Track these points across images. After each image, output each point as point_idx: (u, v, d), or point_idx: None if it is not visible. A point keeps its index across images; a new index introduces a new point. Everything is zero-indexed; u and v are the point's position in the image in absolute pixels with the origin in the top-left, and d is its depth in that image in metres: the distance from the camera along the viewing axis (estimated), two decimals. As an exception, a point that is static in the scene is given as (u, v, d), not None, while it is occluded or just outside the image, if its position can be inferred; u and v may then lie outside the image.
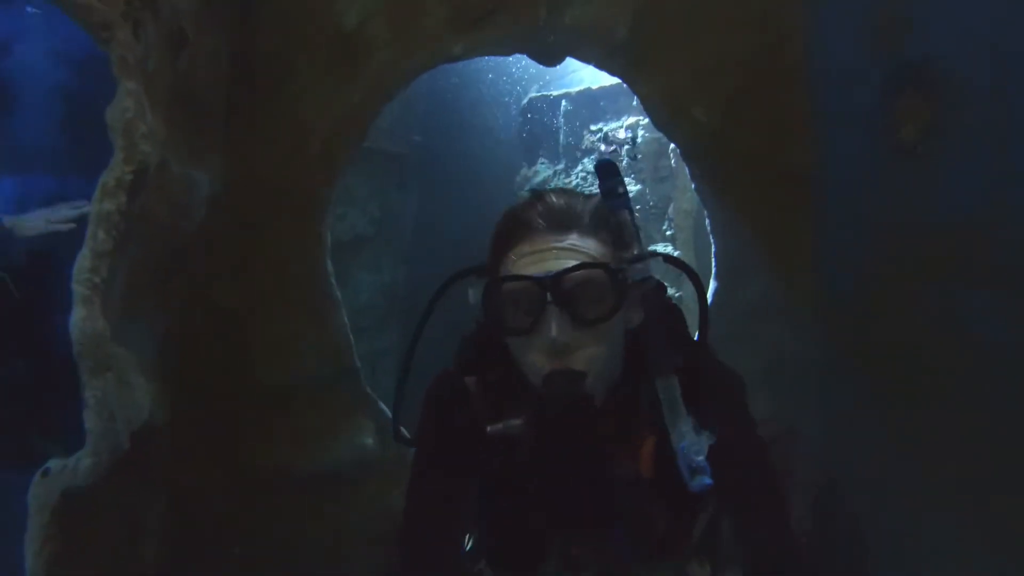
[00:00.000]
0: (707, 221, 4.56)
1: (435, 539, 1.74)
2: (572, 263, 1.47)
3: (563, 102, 9.65)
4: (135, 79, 2.41)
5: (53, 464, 2.49)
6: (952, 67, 3.01)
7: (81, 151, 5.99)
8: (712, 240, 4.47)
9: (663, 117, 4.16)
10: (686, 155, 4.40)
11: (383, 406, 4.01)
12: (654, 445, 1.63)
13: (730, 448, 1.55)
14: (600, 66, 4.28)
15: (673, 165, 8.05)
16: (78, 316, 2.35)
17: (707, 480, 1.43)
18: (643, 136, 8.45)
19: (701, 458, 1.44)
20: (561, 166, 9.58)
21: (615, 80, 4.93)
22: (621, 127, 8.80)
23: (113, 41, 2.35)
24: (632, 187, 8.23)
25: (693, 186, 4.88)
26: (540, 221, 1.55)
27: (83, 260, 2.37)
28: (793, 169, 3.93)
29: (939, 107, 3.11)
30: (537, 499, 1.63)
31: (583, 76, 9.28)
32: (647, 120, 7.42)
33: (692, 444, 1.45)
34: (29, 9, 5.98)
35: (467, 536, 1.88)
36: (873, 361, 3.49)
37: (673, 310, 1.77)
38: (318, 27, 3.49)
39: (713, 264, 4.46)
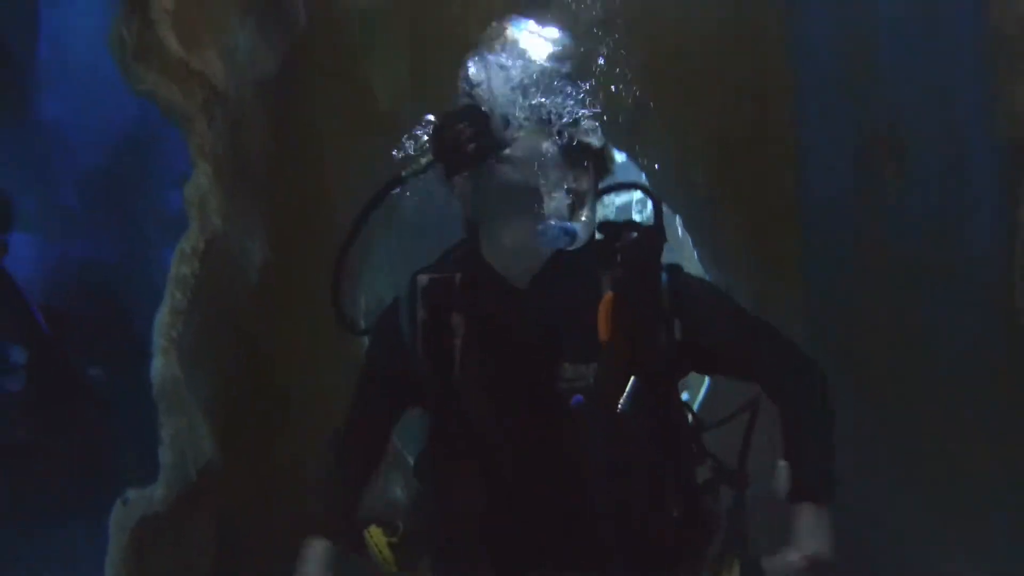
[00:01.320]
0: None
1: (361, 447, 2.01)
2: None
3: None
4: (208, 162, 2.86)
5: (132, 494, 2.86)
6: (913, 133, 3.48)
7: (110, 220, 6.47)
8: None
9: (665, 186, 4.61)
10: (688, 223, 4.84)
11: (407, 456, 4.33)
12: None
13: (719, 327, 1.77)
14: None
15: (680, 235, 8.49)
16: (157, 364, 2.76)
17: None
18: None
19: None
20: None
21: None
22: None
23: (192, 131, 2.81)
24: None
25: (696, 253, 5.29)
26: None
27: (162, 316, 2.78)
28: (783, 237, 4.36)
29: (905, 168, 3.58)
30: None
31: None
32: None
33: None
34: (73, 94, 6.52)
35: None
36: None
37: None
38: (354, 106, 3.96)
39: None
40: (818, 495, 1.64)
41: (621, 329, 1.66)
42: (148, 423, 2.90)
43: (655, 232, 1.83)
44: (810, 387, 1.78)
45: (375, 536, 1.88)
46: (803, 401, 1.76)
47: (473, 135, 1.62)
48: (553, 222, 1.62)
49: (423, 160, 1.73)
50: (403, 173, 1.79)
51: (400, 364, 1.83)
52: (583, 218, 1.71)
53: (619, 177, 2.09)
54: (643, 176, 4.96)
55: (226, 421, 3.56)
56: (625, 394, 1.64)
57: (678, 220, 5.32)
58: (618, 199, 9.27)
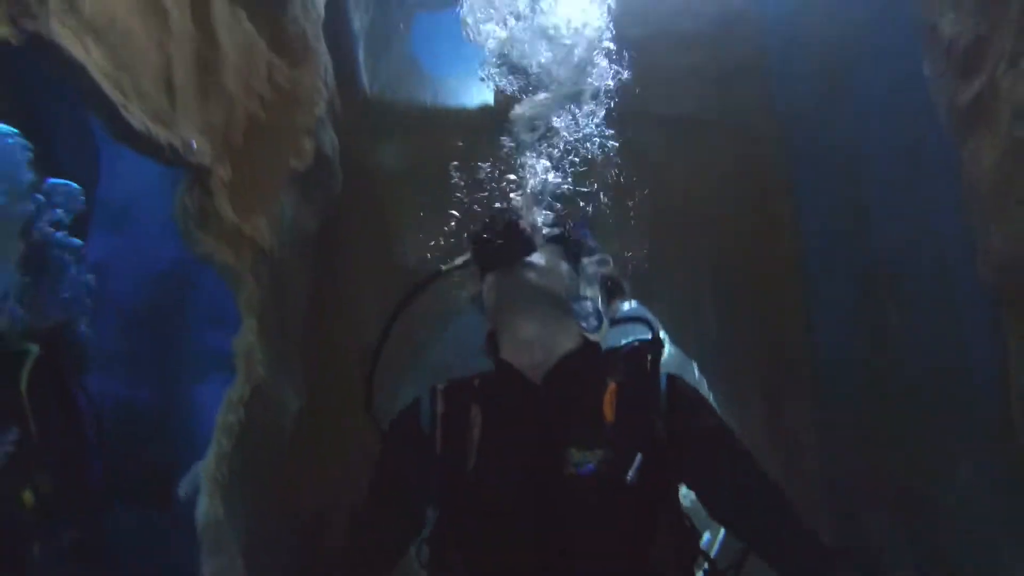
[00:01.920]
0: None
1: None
2: None
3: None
4: (254, 317, 3.13)
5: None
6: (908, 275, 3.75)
7: (146, 358, 6.70)
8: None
9: (675, 332, 4.85)
10: (702, 367, 5.04)
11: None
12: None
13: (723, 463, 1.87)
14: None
15: (696, 378, 8.65)
16: (203, 505, 2.93)
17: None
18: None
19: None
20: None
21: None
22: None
23: (241, 289, 3.09)
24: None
25: (711, 395, 5.46)
26: None
27: (209, 460, 2.98)
28: (792, 358, 4.55)
29: (904, 306, 3.83)
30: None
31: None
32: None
33: None
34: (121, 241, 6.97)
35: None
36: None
37: None
38: (385, 261, 4.27)
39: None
40: None
41: (624, 414, 1.84)
42: (186, 560, 3.02)
43: (654, 340, 2.03)
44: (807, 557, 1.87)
45: None
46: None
47: (507, 239, 1.88)
48: (587, 304, 1.90)
49: (460, 259, 1.99)
50: (442, 267, 2.05)
51: (417, 456, 1.95)
52: (603, 324, 1.95)
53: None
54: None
55: (261, 559, 3.68)
56: (633, 467, 1.79)
57: (694, 365, 5.51)
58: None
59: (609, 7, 5.63)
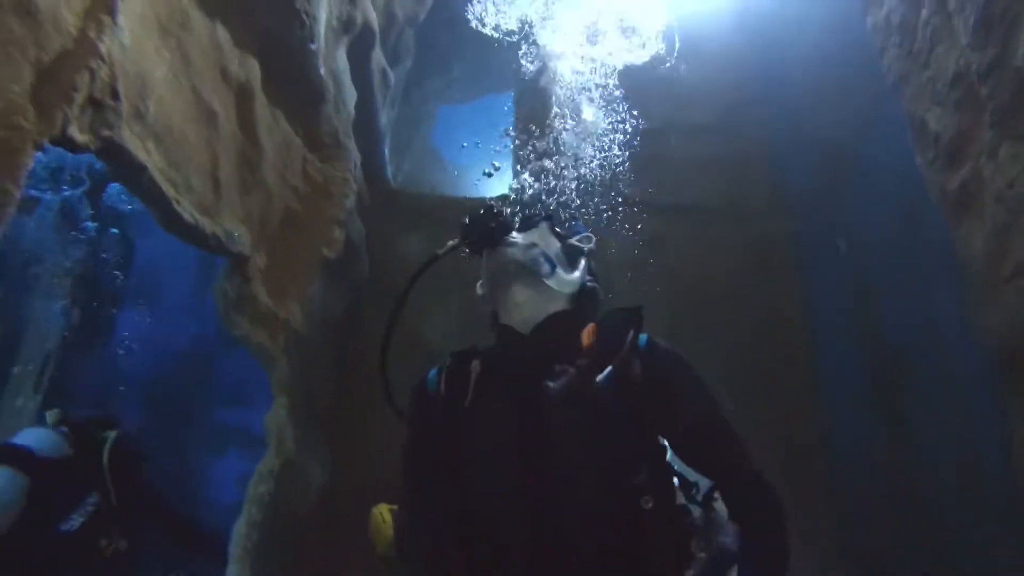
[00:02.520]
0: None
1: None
2: None
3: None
4: (286, 395, 3.32)
5: None
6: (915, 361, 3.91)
7: (166, 434, 6.89)
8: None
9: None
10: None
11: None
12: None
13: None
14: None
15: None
16: (233, 571, 3.06)
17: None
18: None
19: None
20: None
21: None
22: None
23: (274, 369, 3.29)
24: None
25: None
26: None
27: (239, 528, 3.13)
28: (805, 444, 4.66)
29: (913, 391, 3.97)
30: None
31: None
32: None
33: None
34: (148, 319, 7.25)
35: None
36: None
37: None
38: (408, 344, 4.44)
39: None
40: None
41: (601, 340, 2.02)
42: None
43: (637, 309, 2.16)
44: (761, 505, 1.97)
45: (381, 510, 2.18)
46: (757, 522, 1.96)
47: (487, 223, 2.18)
48: (538, 250, 2.14)
49: (450, 243, 2.25)
50: (437, 252, 2.29)
51: (428, 412, 2.09)
52: (571, 277, 2.19)
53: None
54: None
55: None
56: (603, 374, 1.94)
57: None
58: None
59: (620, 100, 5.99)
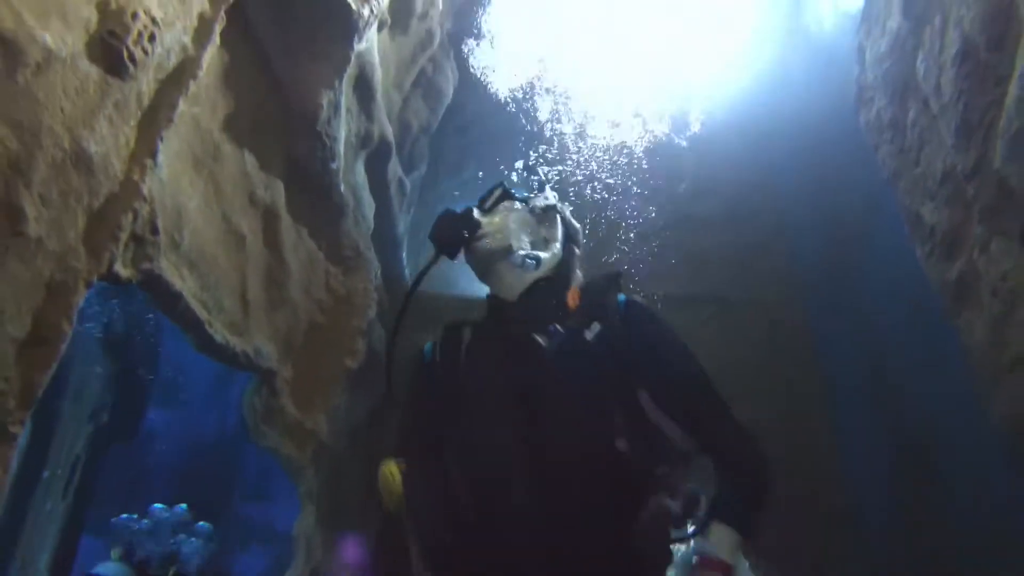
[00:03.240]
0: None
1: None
2: None
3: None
4: (313, 503, 3.41)
5: None
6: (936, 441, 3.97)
7: (191, 529, 6.92)
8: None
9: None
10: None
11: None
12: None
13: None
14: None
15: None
16: None
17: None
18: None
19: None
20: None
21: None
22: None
23: (302, 479, 3.39)
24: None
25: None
26: None
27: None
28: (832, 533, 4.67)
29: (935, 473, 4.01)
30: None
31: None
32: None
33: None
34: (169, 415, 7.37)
35: None
36: None
37: None
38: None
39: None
40: (732, 520, 1.92)
41: (586, 301, 2.19)
42: None
43: (615, 273, 2.37)
44: (743, 451, 2.06)
45: (391, 467, 2.11)
46: (735, 462, 2.05)
47: (456, 228, 2.29)
48: (521, 253, 2.21)
49: (429, 260, 2.38)
50: (421, 268, 2.43)
51: (424, 381, 2.25)
52: (551, 252, 2.30)
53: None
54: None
55: None
56: (592, 331, 2.12)
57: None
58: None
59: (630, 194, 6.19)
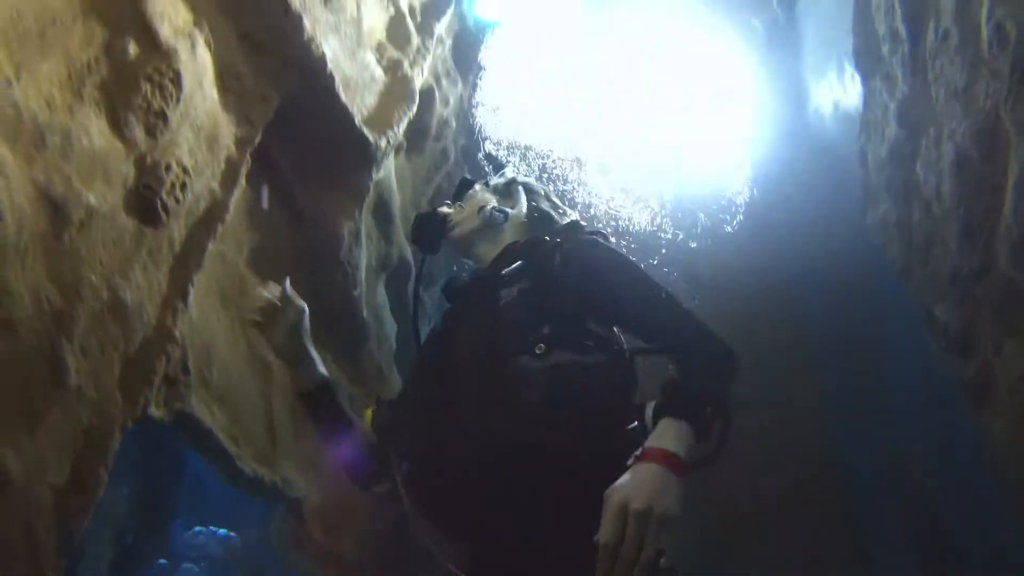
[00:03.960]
0: None
1: None
2: None
3: None
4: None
5: None
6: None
7: None
8: None
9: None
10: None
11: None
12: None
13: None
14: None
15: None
16: None
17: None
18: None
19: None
20: None
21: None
22: None
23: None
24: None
25: None
26: None
27: None
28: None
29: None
30: None
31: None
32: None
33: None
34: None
35: None
36: None
37: None
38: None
39: None
40: (682, 413, 1.79)
41: (526, 248, 2.40)
42: None
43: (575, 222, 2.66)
44: (702, 345, 2.09)
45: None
46: (695, 358, 2.05)
47: (429, 226, 2.66)
48: (488, 208, 2.54)
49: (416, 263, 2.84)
50: (414, 272, 2.92)
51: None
52: (518, 210, 2.61)
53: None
54: None
55: None
56: (510, 268, 2.33)
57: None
58: None
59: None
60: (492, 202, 2.63)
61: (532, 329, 2.11)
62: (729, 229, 6.91)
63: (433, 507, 2.14)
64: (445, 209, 2.68)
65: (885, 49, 3.44)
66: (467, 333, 2.30)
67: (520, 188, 2.73)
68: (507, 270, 2.32)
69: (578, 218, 2.72)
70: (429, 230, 2.66)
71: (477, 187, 2.73)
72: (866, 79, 3.87)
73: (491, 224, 2.56)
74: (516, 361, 2.07)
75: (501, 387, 2.05)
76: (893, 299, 4.64)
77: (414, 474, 2.16)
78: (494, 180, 2.77)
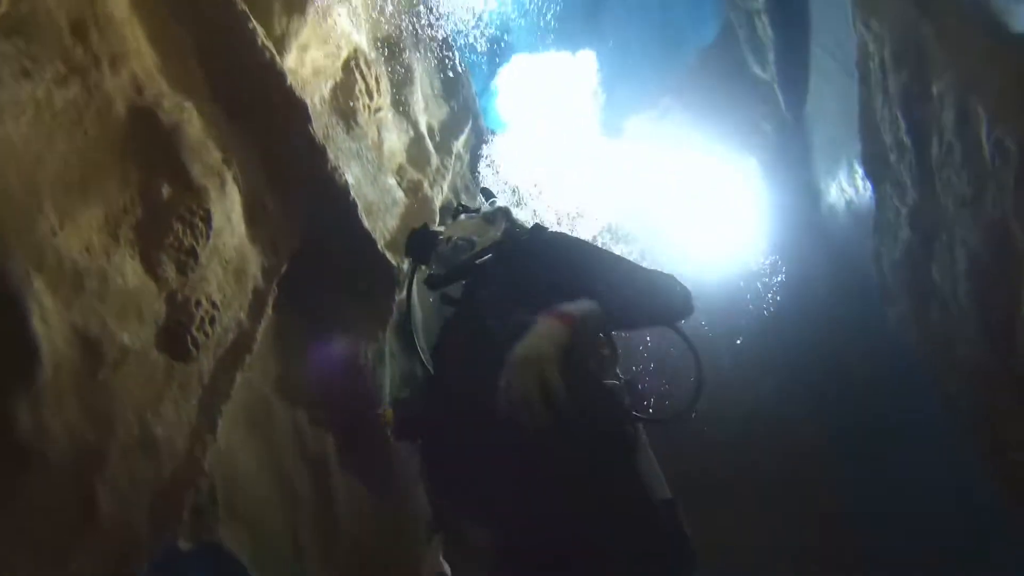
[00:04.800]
0: None
1: None
2: None
3: None
4: None
5: None
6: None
7: None
8: None
9: None
10: None
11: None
12: None
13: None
14: None
15: None
16: None
17: None
18: None
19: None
20: None
21: None
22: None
23: None
24: None
25: None
26: None
27: None
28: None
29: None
30: None
31: None
32: None
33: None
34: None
35: None
36: None
37: None
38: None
39: None
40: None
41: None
42: None
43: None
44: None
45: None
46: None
47: (421, 242, 3.11)
48: (454, 238, 3.06)
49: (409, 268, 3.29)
50: (406, 280, 3.24)
51: None
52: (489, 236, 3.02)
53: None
54: None
55: None
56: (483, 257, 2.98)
57: None
58: None
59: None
60: (471, 230, 3.07)
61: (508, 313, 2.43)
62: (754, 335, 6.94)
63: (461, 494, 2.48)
64: (436, 227, 3.19)
65: (893, 157, 3.53)
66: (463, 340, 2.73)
67: (501, 214, 3.14)
68: (480, 260, 2.89)
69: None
70: (422, 244, 3.10)
71: (463, 216, 3.25)
72: (876, 184, 3.96)
73: (455, 250, 3.02)
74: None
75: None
76: (915, 389, 4.63)
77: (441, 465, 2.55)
78: (484, 209, 3.22)
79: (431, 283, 3.07)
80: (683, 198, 7.68)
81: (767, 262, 7.07)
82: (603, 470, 2.27)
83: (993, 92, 2.45)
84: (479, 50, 6.15)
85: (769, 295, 7.02)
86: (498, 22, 7.57)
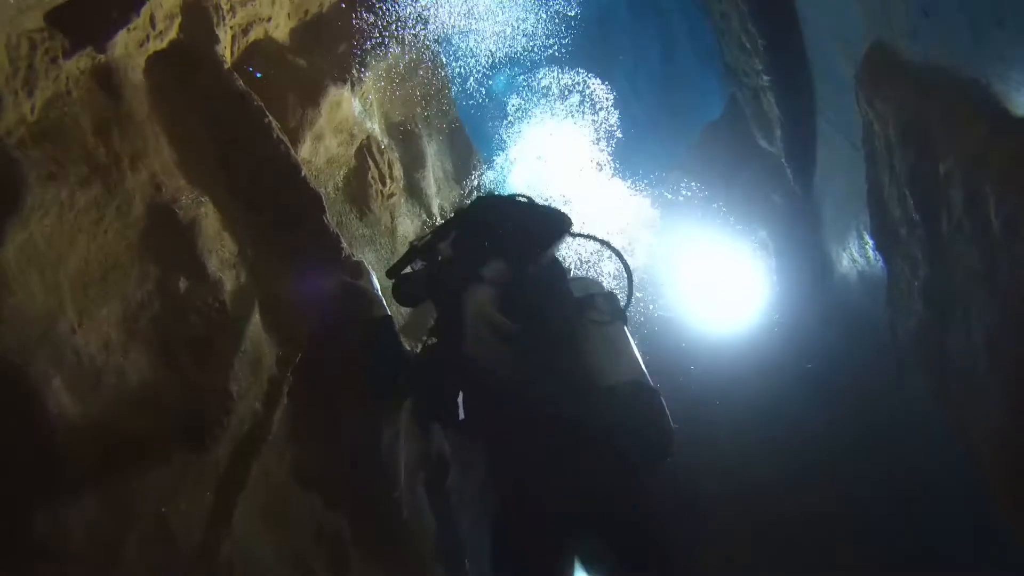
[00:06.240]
0: None
1: None
2: None
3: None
4: None
5: None
6: None
7: None
8: None
9: None
10: None
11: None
12: None
13: None
14: None
15: None
16: None
17: None
18: None
19: None
20: None
21: None
22: None
23: None
24: None
25: None
26: None
27: None
28: None
29: None
30: None
31: None
32: None
33: None
34: None
35: None
36: None
37: None
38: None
39: None
40: None
41: None
42: None
43: None
44: None
45: None
46: None
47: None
48: None
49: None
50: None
51: None
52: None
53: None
54: None
55: None
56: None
57: None
58: None
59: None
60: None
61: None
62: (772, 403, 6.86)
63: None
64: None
65: (903, 231, 3.54)
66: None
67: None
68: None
69: None
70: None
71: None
72: (888, 257, 3.95)
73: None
74: None
75: None
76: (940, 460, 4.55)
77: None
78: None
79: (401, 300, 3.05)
80: (696, 268, 7.72)
81: (779, 331, 7.02)
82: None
83: (999, 172, 2.48)
84: (491, 127, 6.28)
85: (782, 365, 6.96)
86: (508, 95, 7.74)
